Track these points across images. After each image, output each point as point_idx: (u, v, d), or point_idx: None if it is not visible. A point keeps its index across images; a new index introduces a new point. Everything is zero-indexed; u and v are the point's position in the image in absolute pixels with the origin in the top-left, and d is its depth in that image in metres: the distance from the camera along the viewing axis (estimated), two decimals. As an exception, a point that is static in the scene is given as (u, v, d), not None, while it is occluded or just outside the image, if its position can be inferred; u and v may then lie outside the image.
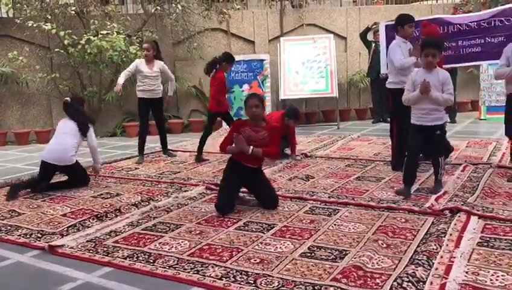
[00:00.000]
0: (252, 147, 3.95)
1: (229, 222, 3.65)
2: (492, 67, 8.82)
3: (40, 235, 3.51)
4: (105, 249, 3.19)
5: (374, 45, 8.99)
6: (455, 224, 3.32)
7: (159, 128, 6.66)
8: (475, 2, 10.20)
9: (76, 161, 5.01)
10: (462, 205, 3.68)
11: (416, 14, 10.01)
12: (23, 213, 4.11)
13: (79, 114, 5.08)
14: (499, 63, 4.73)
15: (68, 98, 5.25)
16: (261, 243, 3.18)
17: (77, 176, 5.00)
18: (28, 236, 3.50)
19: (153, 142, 7.28)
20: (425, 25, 5.26)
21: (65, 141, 4.89)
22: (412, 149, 4.20)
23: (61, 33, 8.26)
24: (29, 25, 8.12)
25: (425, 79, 3.96)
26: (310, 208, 3.95)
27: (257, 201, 4.11)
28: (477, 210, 3.56)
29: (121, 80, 6.23)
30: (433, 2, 11.51)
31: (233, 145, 4.01)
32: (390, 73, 5.09)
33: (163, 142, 6.70)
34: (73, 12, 8.44)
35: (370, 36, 9.20)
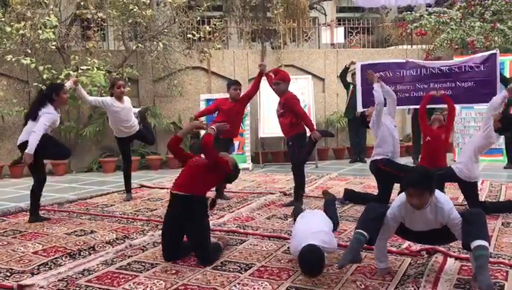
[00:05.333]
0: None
1: (206, 261, 3.58)
2: (465, 110, 9.13)
3: (9, 274, 3.39)
4: (77, 288, 3.09)
5: (352, 86, 9.20)
6: (432, 265, 3.34)
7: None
8: (445, 48, 10.59)
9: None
10: (439, 245, 3.71)
11: (392, 58, 10.39)
12: (-8, 250, 3.98)
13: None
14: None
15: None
16: (239, 283, 3.13)
17: None
18: (-4, 275, 3.38)
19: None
20: (277, 71, 5.92)
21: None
22: None
23: (41, 68, 8.23)
24: (8, 58, 8.08)
25: None
26: (288, 247, 3.91)
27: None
28: (454, 251, 3.59)
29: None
30: (408, 46, 11.92)
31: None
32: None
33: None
34: (53, 47, 8.44)
35: (349, 78, 9.43)
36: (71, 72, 8.25)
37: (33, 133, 4.79)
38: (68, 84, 5.68)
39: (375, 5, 11.44)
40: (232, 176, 3.94)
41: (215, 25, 9.93)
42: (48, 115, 4.89)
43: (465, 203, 5.19)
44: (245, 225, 4.64)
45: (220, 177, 3.86)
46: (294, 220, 3.98)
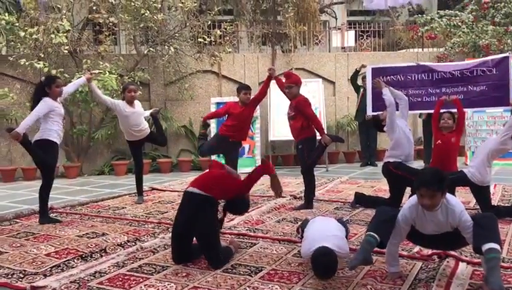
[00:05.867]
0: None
1: (216, 264, 3.59)
2: (477, 114, 9.06)
3: (22, 276, 3.43)
4: (89, 290, 3.12)
5: (362, 89, 9.18)
6: (444, 269, 3.32)
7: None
8: (455, 52, 10.52)
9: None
10: (450, 251, 3.68)
11: (403, 61, 10.36)
12: (6, 252, 4.03)
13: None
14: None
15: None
16: (249, 286, 3.13)
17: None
18: (9, 276, 3.41)
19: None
20: (289, 75, 5.84)
21: None
22: None
23: (53, 72, 8.32)
24: (22, 63, 8.19)
25: None
26: (298, 251, 3.91)
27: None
28: (466, 256, 3.56)
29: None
30: (419, 50, 11.86)
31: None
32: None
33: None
34: (66, 51, 8.54)
35: (359, 81, 9.41)
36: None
37: (28, 116, 5.08)
38: (82, 80, 5.83)
39: (385, 7, 11.43)
40: (243, 205, 3.97)
41: (225, 29, 9.97)
42: (42, 103, 5.06)
43: (477, 207, 5.14)
44: (255, 228, 4.65)
45: (235, 191, 3.83)
46: (302, 230, 3.93)
